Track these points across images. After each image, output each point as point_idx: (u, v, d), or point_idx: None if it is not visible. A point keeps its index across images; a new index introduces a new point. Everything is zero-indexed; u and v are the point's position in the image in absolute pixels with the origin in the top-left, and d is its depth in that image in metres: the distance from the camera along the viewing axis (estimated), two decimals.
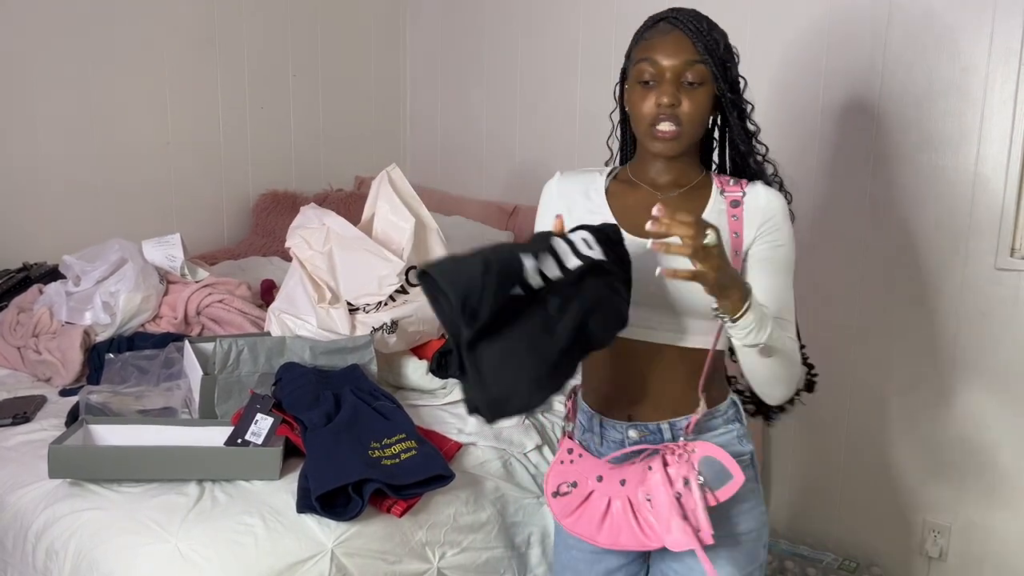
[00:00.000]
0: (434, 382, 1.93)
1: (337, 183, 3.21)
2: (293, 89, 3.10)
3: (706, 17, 1.28)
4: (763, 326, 1.17)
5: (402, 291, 1.92)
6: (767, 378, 1.28)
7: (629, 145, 1.45)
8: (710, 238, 1.06)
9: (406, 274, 1.91)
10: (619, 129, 1.46)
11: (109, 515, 1.40)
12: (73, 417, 1.70)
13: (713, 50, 1.24)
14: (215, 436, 1.56)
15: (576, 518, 1.28)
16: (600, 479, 1.29)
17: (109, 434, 1.58)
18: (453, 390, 1.89)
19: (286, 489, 1.46)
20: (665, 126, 1.23)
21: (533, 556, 1.63)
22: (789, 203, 1.33)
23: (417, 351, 2.01)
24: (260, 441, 1.54)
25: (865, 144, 2.30)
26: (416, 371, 1.96)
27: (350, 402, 1.63)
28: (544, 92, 2.96)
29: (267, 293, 2.33)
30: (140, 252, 2.20)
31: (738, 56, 1.32)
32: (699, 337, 1.28)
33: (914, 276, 2.27)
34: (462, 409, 1.82)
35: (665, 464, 1.23)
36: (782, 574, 2.40)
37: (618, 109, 1.42)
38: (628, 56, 1.33)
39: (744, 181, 1.32)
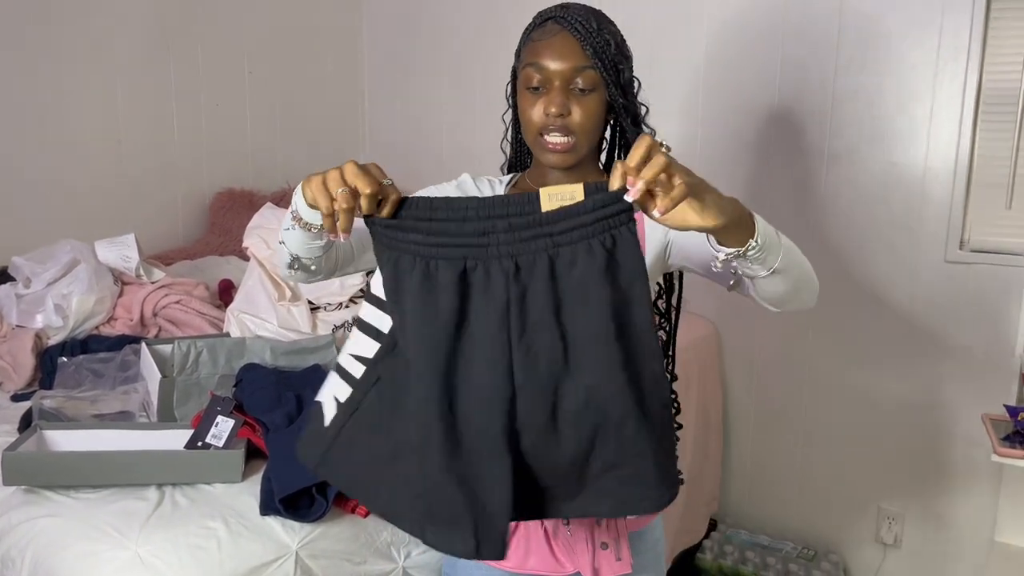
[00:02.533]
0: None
1: (295, 180, 3.15)
2: (249, 86, 3.06)
3: (597, 13, 1.19)
4: (773, 235, 0.98)
5: (363, 293, 1.91)
6: (799, 282, 1.05)
7: (524, 150, 1.34)
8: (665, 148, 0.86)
9: (367, 274, 1.90)
10: (511, 132, 1.35)
11: (66, 522, 1.36)
12: (26, 423, 1.66)
13: (603, 53, 1.15)
14: (174, 440, 1.54)
15: None
16: None
17: (64, 439, 1.54)
18: None
19: (249, 492, 1.44)
20: (555, 137, 1.15)
21: None
22: None
23: None
24: (221, 443, 1.52)
25: (819, 140, 2.34)
26: None
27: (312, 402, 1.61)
28: (504, 87, 2.96)
29: (225, 293, 2.30)
30: (93, 253, 2.15)
31: (628, 57, 1.22)
32: None
33: (867, 269, 2.32)
34: None
35: None
36: (743, 564, 2.44)
37: (511, 111, 1.31)
38: (517, 55, 1.24)
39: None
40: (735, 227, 0.92)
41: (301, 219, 1.02)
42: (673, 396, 1.44)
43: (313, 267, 1.13)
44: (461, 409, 0.88)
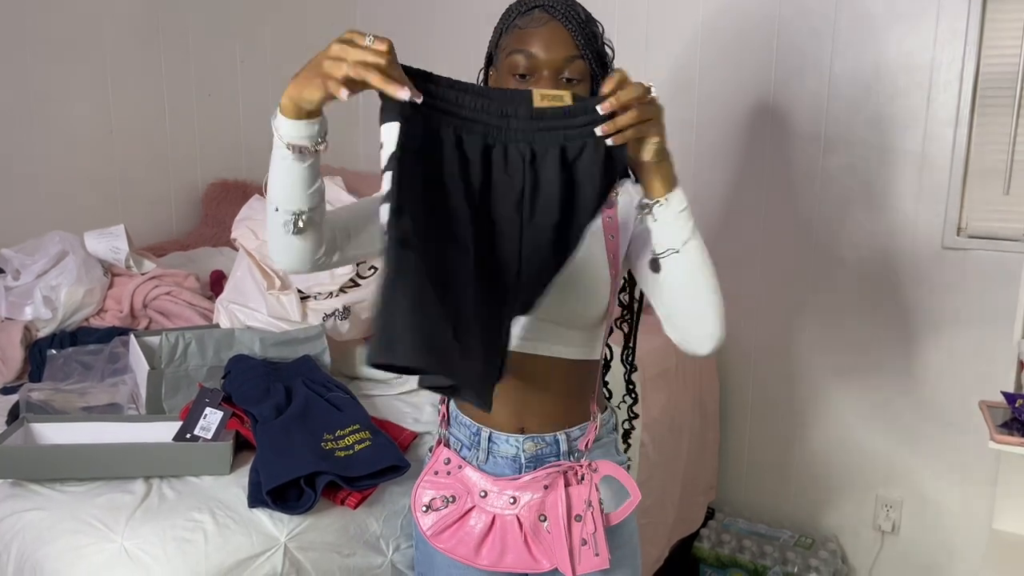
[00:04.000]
0: (388, 372, 1.91)
1: None
2: (241, 75, 3.03)
3: (581, 5, 1.19)
4: (690, 217, 1.05)
5: (353, 284, 1.89)
6: (703, 289, 1.07)
7: None
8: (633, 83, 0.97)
9: (357, 264, 1.88)
10: None
11: (52, 515, 1.35)
12: (14, 416, 1.64)
13: (592, 44, 1.15)
14: (163, 432, 1.52)
15: (450, 536, 1.20)
16: (484, 494, 1.20)
17: (52, 432, 1.53)
18: (408, 380, 1.87)
19: (237, 484, 1.43)
20: None
21: None
22: None
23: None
24: (210, 436, 1.50)
25: (815, 126, 2.32)
26: None
27: (302, 394, 1.60)
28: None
29: (217, 284, 2.28)
30: (82, 244, 2.14)
31: (613, 50, 1.22)
32: (583, 348, 1.21)
33: (863, 255, 2.30)
34: (417, 398, 1.80)
35: (567, 484, 1.18)
36: (740, 552, 2.43)
37: None
38: (496, 42, 1.22)
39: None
40: (661, 175, 1.02)
41: (299, 141, 1.00)
42: (632, 387, 1.44)
43: (316, 219, 1.07)
44: (486, 269, 0.97)
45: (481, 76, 1.25)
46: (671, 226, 1.04)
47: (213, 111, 2.96)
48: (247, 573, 1.29)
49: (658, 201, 1.03)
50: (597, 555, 1.16)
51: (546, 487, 1.18)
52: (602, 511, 1.18)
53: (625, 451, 1.39)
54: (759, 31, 2.35)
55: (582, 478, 1.19)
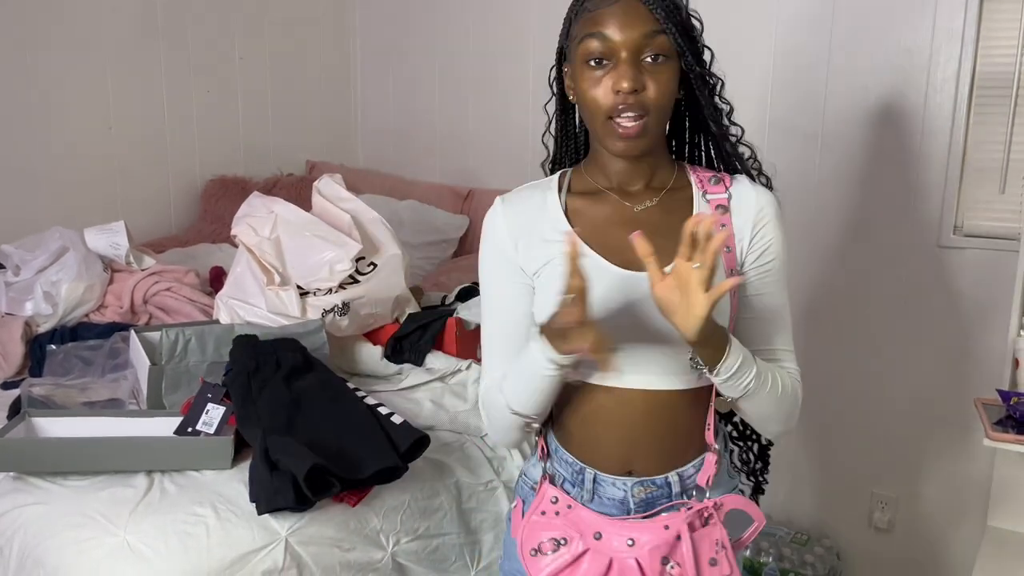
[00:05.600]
0: (389, 368, 1.92)
1: (287, 168, 3.16)
2: (240, 73, 3.03)
3: None
4: (744, 371, 1.01)
5: (353, 280, 1.90)
6: (757, 417, 1.12)
7: (575, 142, 1.21)
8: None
9: (356, 261, 1.89)
10: (557, 123, 1.21)
11: (54, 509, 1.36)
12: (15, 411, 1.65)
13: (674, 15, 1.02)
14: (163, 427, 1.53)
15: None
16: (599, 536, 1.07)
17: (53, 427, 1.53)
18: (408, 375, 1.88)
19: (238, 478, 1.44)
20: (627, 120, 1.01)
21: (485, 542, 1.63)
22: (772, 190, 1.16)
23: (371, 336, 1.99)
24: (212, 431, 1.51)
25: (813, 124, 2.33)
26: (370, 357, 1.94)
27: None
28: (497, 72, 2.94)
29: (216, 280, 2.28)
30: (82, 240, 2.14)
31: (700, 21, 1.10)
32: (695, 375, 1.07)
33: (860, 253, 2.31)
34: (418, 394, 1.81)
35: (693, 528, 1.05)
36: None
37: (555, 98, 1.19)
38: (567, 32, 1.10)
39: (724, 175, 1.13)
40: (707, 348, 0.99)
41: (567, 362, 1.01)
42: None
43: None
44: None
45: (553, 74, 1.17)
46: (723, 387, 1.03)
47: (212, 108, 2.96)
48: (248, 567, 1.30)
49: (706, 367, 1.02)
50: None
51: (667, 527, 1.06)
52: (732, 548, 1.07)
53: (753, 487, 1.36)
54: (755, 30, 2.36)
55: (707, 519, 1.07)
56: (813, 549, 2.40)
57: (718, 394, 1.07)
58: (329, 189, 2.06)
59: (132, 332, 1.79)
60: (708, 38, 1.14)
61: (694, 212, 1.08)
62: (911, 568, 2.38)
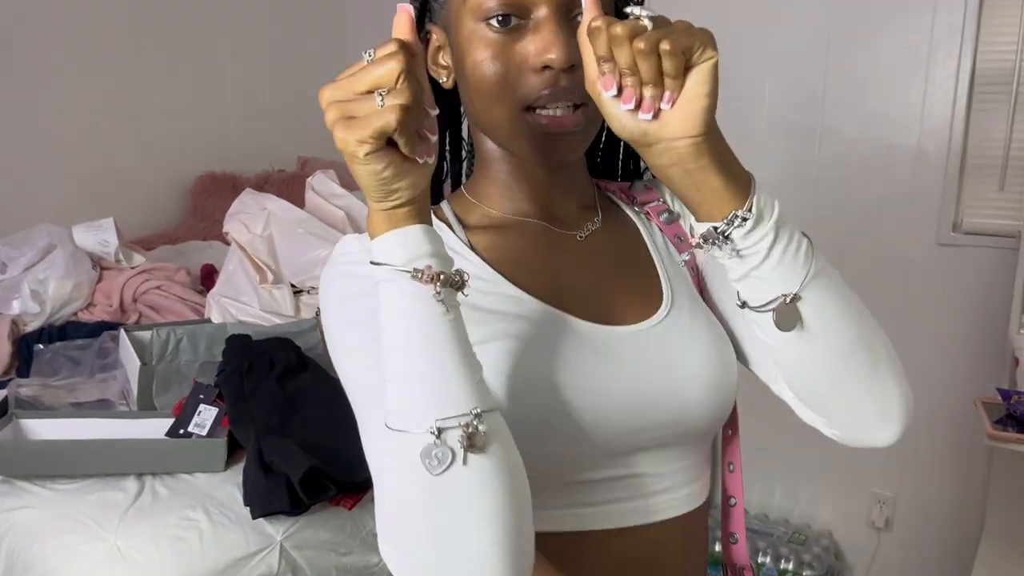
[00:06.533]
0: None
1: (279, 164, 3.12)
2: (231, 68, 2.99)
3: None
4: (795, 237, 0.65)
5: None
6: (859, 344, 0.69)
7: (455, 150, 0.84)
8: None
9: None
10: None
11: (43, 513, 1.33)
12: (1, 412, 1.61)
13: None
14: (154, 429, 1.50)
15: None
16: None
17: (41, 428, 1.50)
18: None
19: (232, 481, 1.41)
20: (558, 110, 0.67)
21: None
22: None
23: None
24: (204, 432, 1.48)
25: (812, 121, 2.31)
26: None
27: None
28: None
29: (207, 278, 2.25)
30: (70, 237, 2.10)
31: None
32: (703, 474, 0.79)
33: (859, 251, 2.30)
34: None
35: None
36: None
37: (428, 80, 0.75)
38: None
39: (642, 183, 0.85)
40: (721, 164, 0.61)
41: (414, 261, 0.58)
42: None
43: (499, 428, 0.59)
44: None
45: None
46: (777, 254, 0.63)
47: (202, 103, 2.92)
48: (243, 572, 1.27)
49: (735, 217, 0.61)
50: None
51: None
52: None
53: None
54: (756, 25, 2.34)
55: None
56: (811, 548, 2.38)
57: (785, 320, 0.64)
58: (323, 185, 2.03)
59: (122, 331, 1.75)
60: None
61: (642, 232, 0.80)
62: (910, 567, 2.37)
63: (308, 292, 1.84)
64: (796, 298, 0.63)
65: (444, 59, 0.74)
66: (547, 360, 0.66)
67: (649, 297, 0.74)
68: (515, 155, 0.73)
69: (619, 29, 0.56)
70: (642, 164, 0.87)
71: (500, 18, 0.66)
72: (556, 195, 0.77)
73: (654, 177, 0.82)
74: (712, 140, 0.60)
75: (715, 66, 0.58)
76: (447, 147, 0.83)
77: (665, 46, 0.55)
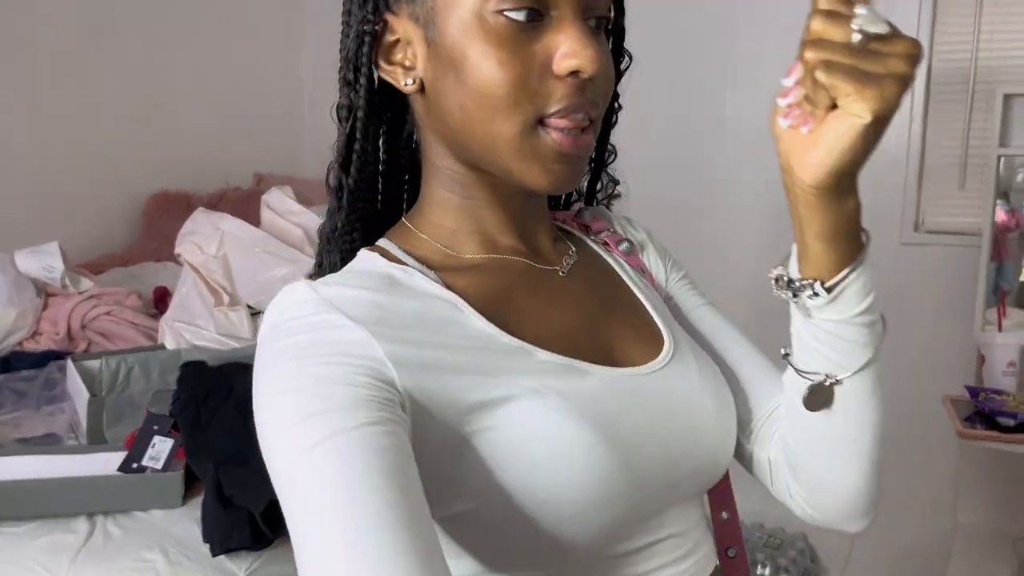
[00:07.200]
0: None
1: (234, 181, 3.04)
2: (184, 82, 2.91)
3: None
4: (873, 327, 0.61)
5: None
6: (868, 446, 0.64)
7: (397, 177, 0.71)
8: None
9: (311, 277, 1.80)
10: (365, 144, 0.65)
11: None
12: None
13: None
14: (106, 464, 1.42)
15: None
16: None
17: None
18: None
19: (190, 517, 1.34)
20: (574, 125, 0.59)
21: None
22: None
23: None
24: (159, 466, 1.41)
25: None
26: None
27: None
28: None
29: (161, 301, 2.17)
30: (12, 263, 2.01)
31: None
32: (705, 528, 0.70)
33: None
34: None
35: None
36: None
37: (356, 94, 0.64)
38: None
39: (589, 210, 0.78)
40: (842, 220, 0.57)
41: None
42: None
43: None
44: None
45: (351, 43, 0.64)
46: (841, 335, 0.59)
47: (154, 119, 2.83)
48: None
49: (809, 285, 0.58)
50: None
51: None
52: None
53: None
54: (717, 28, 2.33)
55: None
56: (787, 552, 2.37)
57: (817, 399, 0.61)
58: (279, 203, 1.97)
59: (69, 361, 1.68)
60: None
61: (611, 264, 0.73)
62: (887, 568, 2.37)
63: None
64: (837, 382, 0.61)
65: (408, 57, 0.62)
66: (574, 420, 0.56)
67: (647, 335, 0.67)
68: (498, 178, 0.62)
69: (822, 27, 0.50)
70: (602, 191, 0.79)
71: (527, 10, 0.56)
72: (533, 225, 0.68)
73: (599, 204, 0.79)
74: (826, 200, 0.55)
75: (862, 128, 0.50)
76: (384, 165, 0.69)
77: (819, 73, 0.49)
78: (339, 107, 0.65)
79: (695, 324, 0.76)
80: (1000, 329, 2.14)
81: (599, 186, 0.78)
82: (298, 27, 3.24)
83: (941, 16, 2.07)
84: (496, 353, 0.58)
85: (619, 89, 0.69)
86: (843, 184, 0.54)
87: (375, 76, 0.63)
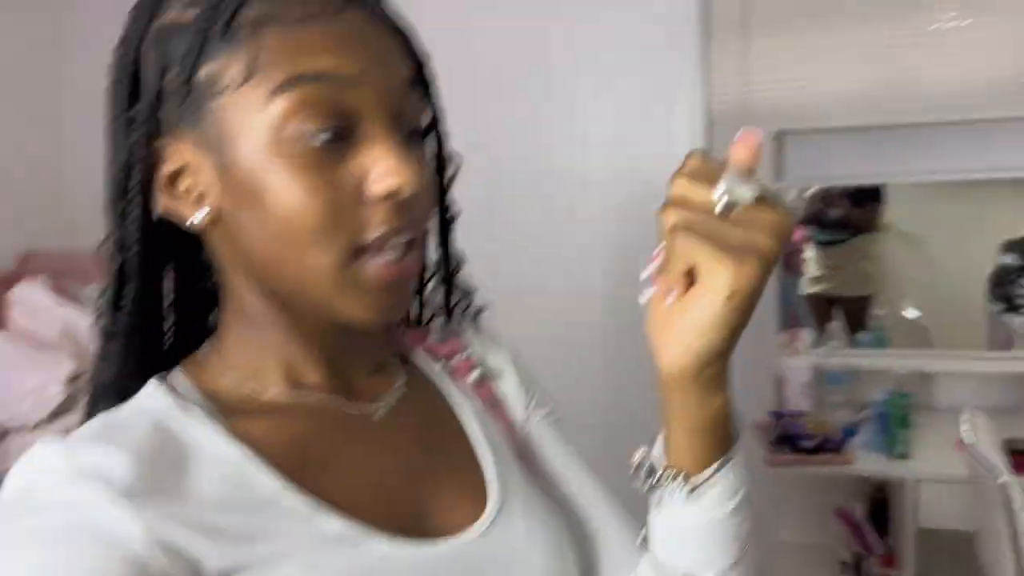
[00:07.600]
0: None
1: None
2: None
3: None
4: (741, 527, 0.56)
5: (73, 405, 1.59)
6: None
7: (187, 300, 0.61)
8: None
9: (73, 381, 1.58)
10: (138, 278, 0.55)
11: None
12: None
13: (428, 63, 0.59)
14: None
15: None
16: None
17: None
18: None
19: None
20: (395, 251, 0.52)
21: None
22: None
23: None
24: None
25: (575, 171, 2.31)
26: None
27: None
28: None
29: None
30: None
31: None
32: None
33: (618, 289, 2.32)
34: None
35: None
36: None
37: (133, 228, 0.54)
38: (192, 66, 0.50)
39: (446, 329, 0.69)
40: (711, 413, 0.52)
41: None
42: None
43: None
44: None
45: (115, 162, 0.54)
46: (705, 533, 0.54)
47: None
48: None
49: (671, 473, 0.54)
50: None
51: None
52: None
53: None
54: (503, 77, 2.31)
55: None
56: None
57: None
58: (30, 297, 1.72)
59: None
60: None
61: (450, 399, 0.65)
62: None
63: (19, 432, 1.54)
64: None
65: (198, 184, 0.52)
66: None
67: (471, 490, 0.59)
68: (331, 312, 0.53)
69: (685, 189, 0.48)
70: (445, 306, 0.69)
71: (331, 129, 0.49)
72: (349, 360, 0.60)
73: (464, 319, 0.70)
74: (689, 391, 0.51)
75: (720, 304, 0.46)
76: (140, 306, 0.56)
77: (677, 237, 0.47)
78: (105, 242, 0.55)
79: (556, 473, 0.67)
80: (797, 352, 2.25)
81: (453, 301, 0.69)
82: (56, 82, 2.91)
83: (715, 65, 2.17)
84: (277, 517, 0.50)
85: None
86: (707, 373, 0.50)
87: (152, 210, 0.54)
